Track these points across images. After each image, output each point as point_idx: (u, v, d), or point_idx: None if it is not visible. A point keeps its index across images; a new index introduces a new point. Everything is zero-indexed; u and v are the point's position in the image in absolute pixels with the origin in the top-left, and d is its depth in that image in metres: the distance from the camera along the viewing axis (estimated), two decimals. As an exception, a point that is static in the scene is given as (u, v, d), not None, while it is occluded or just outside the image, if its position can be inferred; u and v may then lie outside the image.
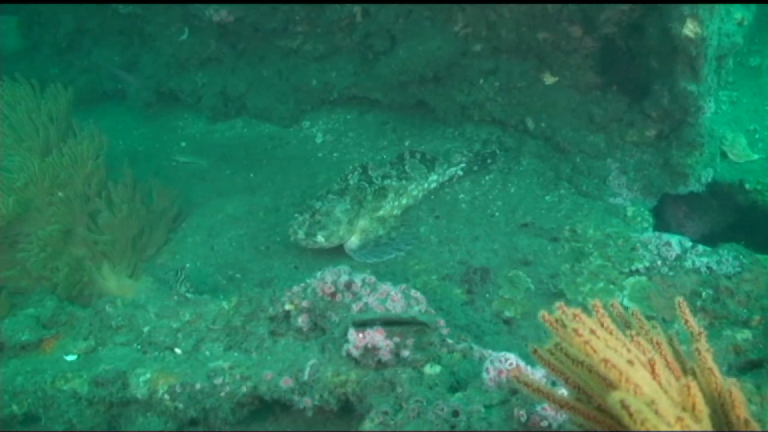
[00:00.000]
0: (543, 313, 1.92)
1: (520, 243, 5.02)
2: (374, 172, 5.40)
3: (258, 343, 4.01)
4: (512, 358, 3.25)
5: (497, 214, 5.44)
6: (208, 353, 4.11)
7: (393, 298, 3.89)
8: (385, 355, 3.49)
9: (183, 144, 7.39)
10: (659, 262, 4.68)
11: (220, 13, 6.28)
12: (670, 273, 4.63)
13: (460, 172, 5.81)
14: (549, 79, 5.97)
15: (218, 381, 3.75)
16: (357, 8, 6.18)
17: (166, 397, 3.79)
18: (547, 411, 3.00)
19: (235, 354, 4.05)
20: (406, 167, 5.51)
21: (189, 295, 4.35)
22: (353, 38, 6.64)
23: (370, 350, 3.51)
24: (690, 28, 4.52)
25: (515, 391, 3.21)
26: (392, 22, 6.10)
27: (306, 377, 3.59)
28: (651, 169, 5.36)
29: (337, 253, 5.24)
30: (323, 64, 6.95)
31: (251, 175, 6.60)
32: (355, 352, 3.53)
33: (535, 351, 2.02)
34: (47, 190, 4.56)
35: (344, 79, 6.78)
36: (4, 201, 4.35)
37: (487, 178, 5.88)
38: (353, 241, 5.17)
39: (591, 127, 5.69)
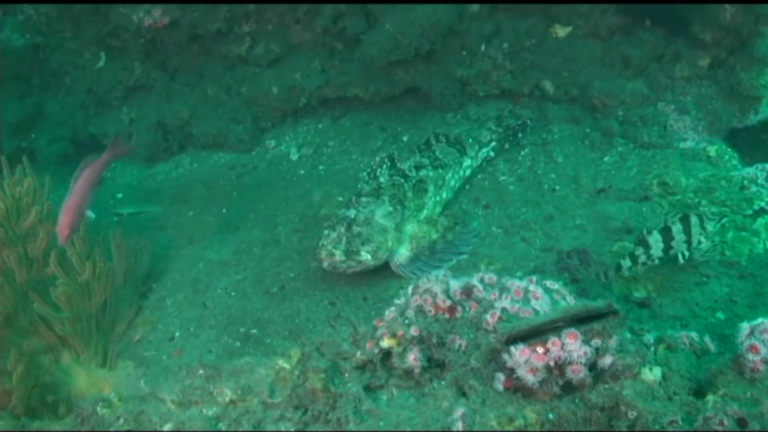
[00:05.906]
0: None
1: (609, 211, 4.06)
2: (404, 164, 4.26)
3: (353, 407, 2.69)
4: (777, 325, 2.20)
5: (558, 187, 4.46)
6: (275, 441, 2.74)
7: (534, 296, 2.75)
8: (577, 371, 2.33)
9: (119, 195, 5.88)
10: (780, 196, 3.90)
11: (153, 14, 4.95)
12: (798, 205, 3.84)
13: (492, 153, 4.80)
14: (561, 31, 5.16)
15: (320, 477, 2.42)
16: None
17: None
18: None
19: (320, 432, 2.72)
20: (437, 153, 4.41)
21: None
22: (315, 28, 5.55)
23: (553, 369, 2.34)
24: None
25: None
26: (368, -6, 5.09)
27: (459, 436, 2.35)
28: (714, 102, 4.62)
29: (378, 275, 4.02)
30: (281, 68, 5.78)
31: (223, 210, 5.24)
32: (529, 379, 2.35)
33: None
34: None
35: (312, 79, 5.63)
36: None
37: (522, 153, 4.91)
38: (403, 253, 3.95)
39: (626, 74, 4.92)
